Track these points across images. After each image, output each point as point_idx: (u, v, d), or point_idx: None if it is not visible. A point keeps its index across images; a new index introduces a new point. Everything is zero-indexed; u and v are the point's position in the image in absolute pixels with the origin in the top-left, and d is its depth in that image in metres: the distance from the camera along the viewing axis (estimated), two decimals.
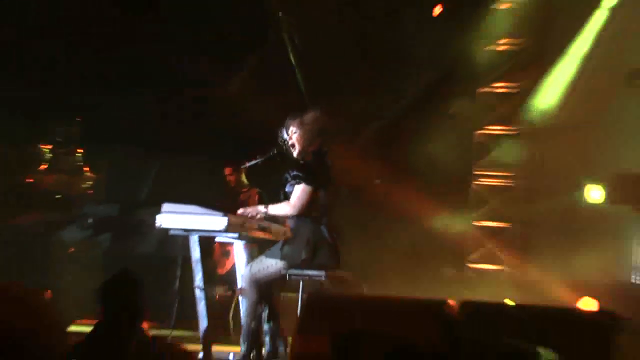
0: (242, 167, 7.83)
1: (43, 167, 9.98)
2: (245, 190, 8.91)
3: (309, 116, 6.76)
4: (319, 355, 4.53)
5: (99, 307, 4.39)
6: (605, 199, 9.12)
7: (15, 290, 1.65)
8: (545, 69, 9.90)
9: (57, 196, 9.79)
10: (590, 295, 8.21)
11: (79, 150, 10.13)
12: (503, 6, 10.36)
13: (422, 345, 4.02)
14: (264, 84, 9.97)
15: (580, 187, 9.21)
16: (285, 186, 6.72)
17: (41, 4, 9.97)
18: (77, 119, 10.21)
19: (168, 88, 10.14)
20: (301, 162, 6.73)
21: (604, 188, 9.10)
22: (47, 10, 9.95)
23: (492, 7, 10.33)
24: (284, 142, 6.76)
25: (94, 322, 4.44)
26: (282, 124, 6.85)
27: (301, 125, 6.71)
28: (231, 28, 10.25)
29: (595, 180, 9.14)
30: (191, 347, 5.28)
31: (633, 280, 8.81)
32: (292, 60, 10.52)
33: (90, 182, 10.16)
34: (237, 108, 9.73)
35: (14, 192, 9.79)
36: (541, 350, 3.78)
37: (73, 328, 6.33)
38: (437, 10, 10.38)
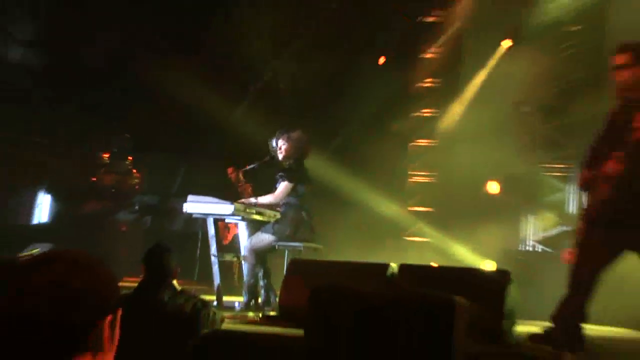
0: (243, 169, 7.77)
1: (103, 169, 9.91)
2: (241, 184, 8.85)
3: (295, 133, 6.69)
4: (299, 303, 4.46)
5: (142, 268, 4.33)
6: (500, 191, 9.15)
7: (82, 256, 1.59)
8: (456, 98, 9.93)
9: (113, 190, 9.72)
10: (490, 259, 8.19)
11: (129, 158, 10.06)
12: (427, 56, 10.53)
13: (372, 295, 3.98)
14: (259, 109, 9.97)
15: (482, 183, 9.21)
16: (275, 184, 6.68)
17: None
18: (127, 135, 10.16)
19: (191, 115, 10.14)
20: (286, 165, 6.68)
21: (499, 183, 9.14)
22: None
23: (420, 56, 10.48)
24: (274, 149, 6.72)
25: (138, 279, 4.40)
26: (272, 137, 6.80)
27: (288, 139, 6.65)
28: (241, 72, 10.26)
29: (493, 177, 9.16)
30: (208, 297, 5.19)
31: (520, 248, 8.83)
32: (281, 93, 10.57)
33: (137, 180, 10.06)
34: (240, 127, 9.70)
35: (83, 187, 9.74)
36: (456, 298, 3.74)
37: (123, 283, 6.25)
38: (382, 60, 10.49)
